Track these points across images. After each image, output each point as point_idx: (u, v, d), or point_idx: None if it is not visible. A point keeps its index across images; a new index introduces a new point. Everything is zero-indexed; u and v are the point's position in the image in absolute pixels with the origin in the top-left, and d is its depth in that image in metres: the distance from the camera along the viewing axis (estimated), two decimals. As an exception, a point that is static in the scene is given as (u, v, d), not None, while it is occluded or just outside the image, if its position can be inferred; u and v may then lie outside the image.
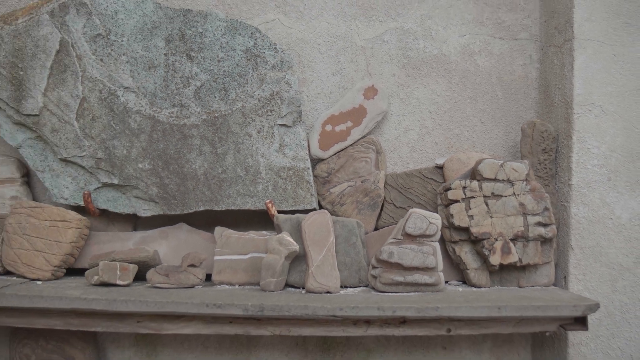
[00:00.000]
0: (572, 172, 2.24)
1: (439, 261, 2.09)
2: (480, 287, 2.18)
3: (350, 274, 2.19)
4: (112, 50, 2.30)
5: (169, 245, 2.32)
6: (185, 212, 2.31)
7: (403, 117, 2.53)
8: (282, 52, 2.32)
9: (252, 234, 2.25)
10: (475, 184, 2.17)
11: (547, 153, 2.32)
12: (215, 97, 2.31)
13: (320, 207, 2.40)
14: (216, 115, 2.30)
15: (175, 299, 1.88)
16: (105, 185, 2.32)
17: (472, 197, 2.16)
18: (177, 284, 2.08)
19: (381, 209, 2.42)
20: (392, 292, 2.06)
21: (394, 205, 2.41)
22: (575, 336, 2.21)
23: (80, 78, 2.29)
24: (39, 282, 2.13)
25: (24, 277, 2.17)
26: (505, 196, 2.16)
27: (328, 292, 2.07)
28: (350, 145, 2.42)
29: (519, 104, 2.53)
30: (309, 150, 2.39)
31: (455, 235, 2.19)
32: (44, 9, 2.30)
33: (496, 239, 2.12)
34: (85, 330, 2.02)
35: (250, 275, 2.20)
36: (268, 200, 2.29)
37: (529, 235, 2.13)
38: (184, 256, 2.12)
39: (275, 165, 2.31)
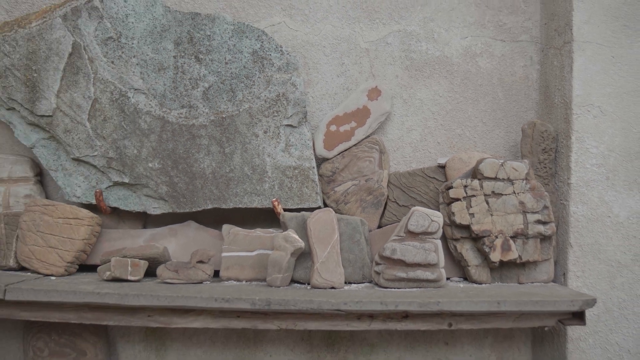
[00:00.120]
0: (571, 171, 2.28)
1: (441, 258, 2.13)
2: (481, 284, 2.22)
3: (354, 270, 2.24)
4: (122, 52, 2.35)
5: (177, 243, 2.37)
6: (193, 210, 2.35)
7: (406, 117, 2.57)
8: (288, 54, 2.36)
9: (258, 232, 2.30)
10: (476, 182, 2.22)
11: (546, 153, 2.36)
12: (222, 98, 2.36)
13: (325, 205, 2.44)
14: (224, 115, 2.35)
15: (184, 293, 1.94)
16: (116, 184, 2.37)
17: (473, 196, 2.21)
18: (186, 280, 2.14)
19: (384, 207, 2.45)
20: (394, 288, 2.10)
21: (397, 203, 2.45)
22: (574, 331, 2.25)
23: (92, 80, 2.33)
24: (53, 278, 2.19)
25: (38, 273, 2.23)
26: (506, 195, 2.20)
27: (332, 288, 2.12)
28: (354, 145, 2.45)
29: (520, 104, 2.57)
30: (314, 150, 2.42)
31: (457, 233, 2.23)
32: (56, 13, 2.35)
33: (496, 237, 2.17)
34: (98, 323, 2.08)
35: (257, 271, 2.24)
36: (274, 199, 2.33)
37: (529, 232, 2.18)
38: (193, 253, 2.17)
39: (281, 164, 2.36)
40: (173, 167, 2.34)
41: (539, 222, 2.18)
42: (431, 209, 2.29)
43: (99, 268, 2.16)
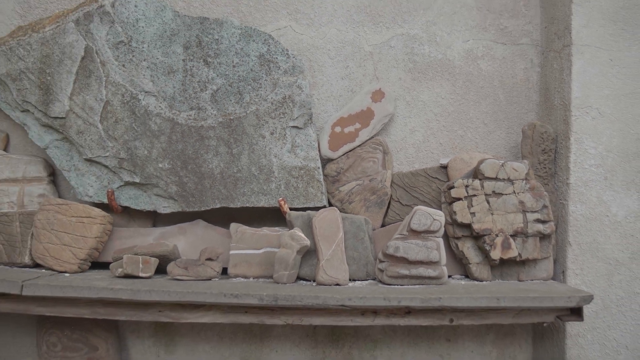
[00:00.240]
0: (570, 171, 2.32)
1: (442, 255, 2.18)
2: (481, 281, 2.27)
3: (358, 268, 2.29)
4: (133, 56, 2.40)
5: (186, 241, 2.43)
6: (202, 209, 2.40)
7: (409, 119, 2.61)
8: (293, 57, 2.40)
9: (265, 230, 2.34)
10: (477, 182, 2.27)
11: (546, 153, 2.41)
12: (230, 100, 2.41)
13: (330, 204, 2.47)
14: (231, 117, 2.40)
15: (194, 289, 2.00)
16: (127, 183, 2.42)
17: (474, 195, 2.26)
18: (196, 277, 2.20)
19: (388, 207, 2.49)
20: (397, 285, 2.15)
21: (400, 203, 2.49)
22: (572, 328, 2.29)
23: (104, 83, 2.38)
24: (67, 274, 2.24)
25: (53, 270, 2.28)
26: (506, 194, 2.26)
27: (337, 285, 2.17)
28: (359, 146, 2.49)
29: (521, 106, 2.61)
30: (319, 150, 2.46)
31: (458, 232, 2.28)
32: (69, 18, 2.40)
33: (497, 235, 2.22)
34: (110, 318, 2.14)
35: (264, 268, 2.29)
36: (281, 198, 2.38)
37: (528, 231, 2.23)
38: (202, 250, 2.23)
39: (288, 165, 2.41)
40: (182, 168, 2.40)
41: (538, 221, 2.24)
42: (433, 208, 2.33)
43: (111, 265, 2.22)
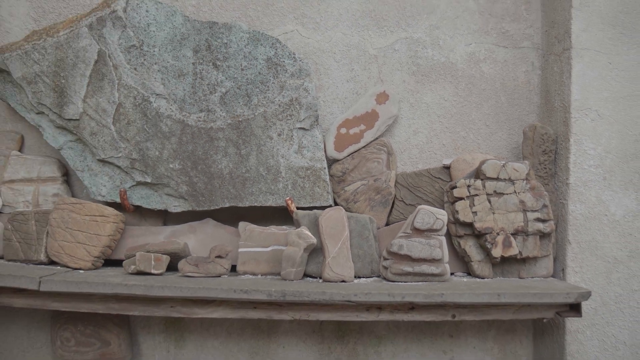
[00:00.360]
0: (569, 172, 2.37)
1: (445, 253, 2.23)
2: (483, 278, 2.32)
3: (363, 265, 2.34)
4: (145, 60, 2.45)
5: (196, 239, 2.48)
6: (212, 208, 2.45)
7: (413, 120, 2.66)
8: (300, 60, 2.44)
9: (273, 229, 2.39)
10: (479, 182, 2.32)
11: (546, 154, 2.46)
12: (239, 102, 2.45)
13: (336, 204, 2.52)
14: (240, 119, 2.45)
15: (205, 285, 2.06)
16: (139, 183, 2.48)
17: (476, 195, 2.31)
18: (206, 273, 2.26)
19: (392, 206, 2.53)
20: (401, 282, 2.20)
21: (404, 202, 2.54)
22: (572, 324, 2.34)
23: (116, 86, 2.43)
24: (81, 271, 2.30)
25: (67, 267, 2.34)
26: (507, 194, 2.31)
27: (343, 281, 2.22)
28: (363, 147, 2.53)
29: (522, 108, 2.65)
30: (325, 151, 2.50)
31: (460, 230, 2.33)
32: (83, 23, 2.44)
33: (498, 234, 2.27)
34: (124, 313, 2.21)
35: (271, 266, 2.34)
36: (288, 198, 2.42)
37: (529, 230, 2.28)
38: (212, 248, 2.29)
39: (295, 165, 2.45)
40: (192, 168, 2.46)
41: (538, 220, 2.29)
42: (436, 207, 2.37)
43: (124, 262, 2.29)
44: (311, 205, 2.46)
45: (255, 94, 2.45)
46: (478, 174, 2.36)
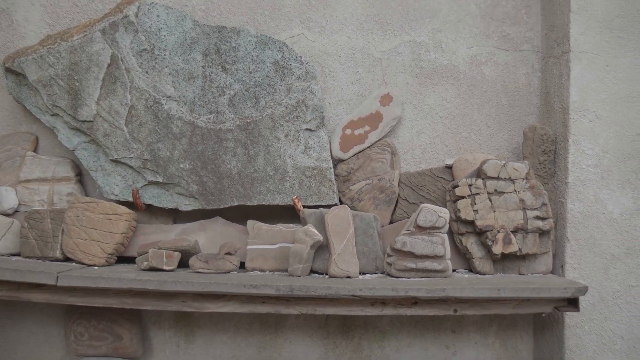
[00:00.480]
0: (568, 171, 2.42)
1: (447, 250, 2.29)
2: (484, 274, 2.37)
3: (368, 262, 2.40)
4: (156, 63, 2.51)
5: (206, 236, 2.53)
6: (221, 207, 2.50)
7: (416, 121, 2.71)
8: (306, 63, 2.50)
9: (280, 226, 2.44)
10: (480, 182, 2.38)
11: (546, 154, 2.51)
12: (247, 104, 2.51)
13: (341, 202, 2.56)
14: (248, 121, 2.51)
15: (216, 280, 2.13)
16: (150, 183, 2.53)
17: (477, 194, 2.37)
18: (216, 270, 2.32)
19: (396, 205, 2.57)
20: (405, 278, 2.26)
21: (407, 201, 2.58)
22: (570, 319, 2.39)
23: (128, 88, 2.49)
24: (95, 267, 2.36)
25: (82, 263, 2.40)
26: (507, 193, 2.37)
27: (348, 277, 2.27)
28: (368, 147, 2.57)
29: (522, 109, 2.70)
30: (330, 151, 2.55)
31: (462, 228, 2.39)
32: (96, 27, 2.50)
33: (498, 231, 2.32)
34: (138, 308, 2.27)
35: (279, 262, 2.39)
36: (295, 197, 2.48)
37: (528, 227, 2.34)
38: (221, 245, 2.34)
39: (301, 165, 2.51)
40: (202, 168, 2.52)
41: (537, 218, 2.35)
42: (439, 206, 2.43)
43: (137, 259, 2.35)
44: (317, 203, 2.51)
45: (263, 96, 2.51)
46: (479, 173, 2.42)
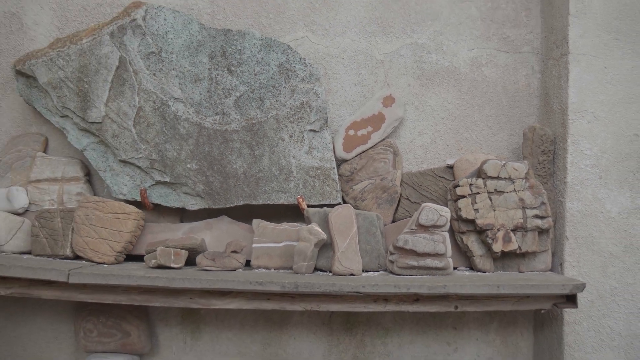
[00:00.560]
0: (567, 171, 2.45)
1: (448, 248, 2.33)
2: (484, 272, 2.41)
3: (370, 260, 2.44)
4: (163, 65, 2.55)
5: (212, 235, 2.58)
6: (227, 206, 2.54)
7: (418, 122, 2.75)
8: (310, 66, 2.54)
9: (285, 225, 2.48)
10: (480, 181, 2.42)
11: (545, 154, 2.54)
12: (252, 106, 2.55)
13: (344, 201, 2.60)
14: (253, 122, 2.55)
15: (223, 277, 2.17)
16: (158, 182, 2.58)
17: (478, 193, 2.41)
18: (222, 267, 2.36)
19: (398, 204, 2.60)
20: (407, 275, 2.30)
21: (409, 200, 2.62)
22: (569, 316, 2.43)
23: (136, 90, 2.54)
24: (105, 265, 2.41)
25: (92, 261, 2.45)
26: (507, 192, 2.41)
27: (352, 274, 2.32)
28: (371, 147, 2.61)
29: (522, 110, 2.74)
30: (334, 152, 2.59)
31: (463, 227, 2.43)
32: (104, 31, 2.55)
33: (498, 230, 2.36)
34: (146, 304, 2.32)
35: (284, 260, 2.44)
36: (299, 196, 2.52)
37: (528, 226, 2.38)
38: (228, 243, 2.38)
39: (305, 165, 2.55)
40: (209, 168, 2.56)
41: (536, 216, 2.39)
42: (440, 205, 2.46)
43: (145, 256, 2.41)
44: (321, 203, 2.55)
45: (268, 98, 2.55)
46: (480, 173, 2.46)
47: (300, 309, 2.26)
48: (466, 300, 2.24)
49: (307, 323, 2.73)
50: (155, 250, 2.39)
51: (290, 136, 2.56)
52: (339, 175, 2.62)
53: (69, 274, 2.22)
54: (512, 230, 2.38)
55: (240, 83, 2.56)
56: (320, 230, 2.33)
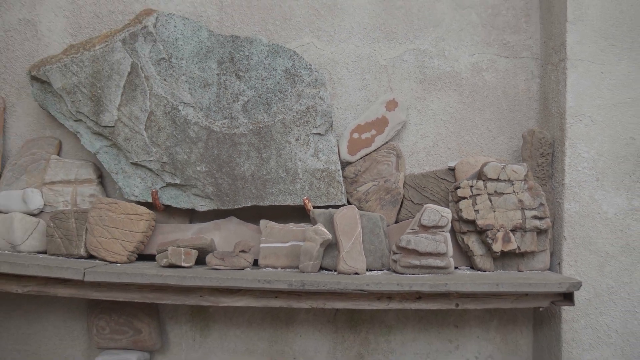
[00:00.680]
0: (565, 173, 2.51)
1: (449, 248, 2.39)
2: (485, 271, 2.46)
3: (374, 259, 2.50)
4: (173, 71, 2.62)
5: (221, 235, 2.64)
6: (235, 207, 2.60)
7: (420, 126, 2.80)
8: (316, 71, 2.60)
9: (291, 226, 2.54)
10: (480, 183, 2.47)
11: (544, 157, 2.59)
12: (259, 110, 2.61)
13: (349, 203, 2.64)
14: (261, 125, 2.61)
15: (232, 276, 2.25)
16: (168, 184, 2.64)
17: (478, 195, 2.47)
18: (231, 266, 2.43)
19: (401, 205, 2.66)
20: (409, 274, 2.36)
21: (412, 201, 2.67)
22: (567, 314, 2.48)
23: (148, 95, 2.60)
24: (118, 264, 2.48)
25: (105, 260, 2.53)
26: (506, 194, 2.46)
27: (356, 273, 2.38)
28: (374, 150, 2.66)
29: (522, 114, 2.79)
30: (339, 154, 2.64)
31: (464, 227, 2.49)
32: (117, 37, 2.62)
33: (498, 230, 2.42)
34: (157, 302, 2.40)
35: (290, 260, 2.50)
36: (305, 197, 2.57)
37: (526, 226, 2.43)
38: (236, 243, 2.45)
39: (311, 167, 2.60)
40: (218, 170, 2.62)
41: (535, 217, 2.45)
42: (442, 206, 2.51)
43: (157, 256, 2.48)
44: (326, 204, 2.60)
45: (275, 102, 2.62)
46: (480, 175, 2.51)
47: (306, 307, 2.33)
48: (467, 298, 2.31)
49: (312, 321, 2.79)
50: (166, 250, 2.46)
51: (297, 139, 2.62)
52: (344, 177, 2.67)
53: (84, 273, 2.29)
54: (511, 230, 2.44)
55: (248, 88, 2.62)
56: (325, 230, 2.39)
